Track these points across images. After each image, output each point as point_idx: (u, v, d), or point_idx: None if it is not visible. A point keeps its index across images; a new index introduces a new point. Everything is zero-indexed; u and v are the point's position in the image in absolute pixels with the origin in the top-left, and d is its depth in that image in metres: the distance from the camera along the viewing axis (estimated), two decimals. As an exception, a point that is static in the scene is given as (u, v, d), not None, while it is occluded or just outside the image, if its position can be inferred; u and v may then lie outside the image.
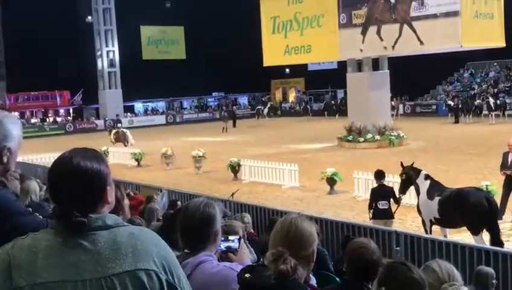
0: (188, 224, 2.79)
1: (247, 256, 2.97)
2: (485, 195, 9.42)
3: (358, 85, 27.82)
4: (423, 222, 9.97)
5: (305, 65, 50.12)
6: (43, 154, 25.46)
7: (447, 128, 34.00)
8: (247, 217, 7.97)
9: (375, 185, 10.60)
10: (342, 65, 32.81)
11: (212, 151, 24.73)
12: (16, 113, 50.56)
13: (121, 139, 29.29)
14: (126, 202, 3.67)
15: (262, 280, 2.30)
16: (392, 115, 33.98)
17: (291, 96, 64.31)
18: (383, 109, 28.00)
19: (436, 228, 9.91)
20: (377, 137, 26.77)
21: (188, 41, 60.31)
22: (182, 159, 22.86)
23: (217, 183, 18.93)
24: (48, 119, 51.42)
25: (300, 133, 35.28)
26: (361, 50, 27.04)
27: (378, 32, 26.23)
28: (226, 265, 2.72)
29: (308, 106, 53.36)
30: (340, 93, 56.03)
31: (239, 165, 19.69)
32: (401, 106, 46.31)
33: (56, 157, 1.96)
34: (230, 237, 2.99)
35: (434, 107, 46.29)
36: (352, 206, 14.25)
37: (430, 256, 7.18)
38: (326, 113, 50.24)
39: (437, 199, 9.49)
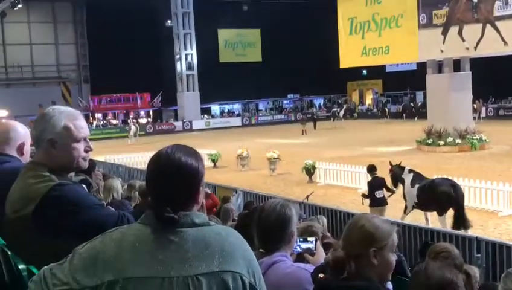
0: (264, 224, 2.79)
1: (323, 258, 2.95)
2: (451, 183, 11.10)
3: (438, 87, 27.11)
4: (405, 207, 11.83)
5: (383, 66, 49.27)
6: (125, 155, 26.39)
7: (533, 132, 32.44)
8: (322, 220, 7.91)
9: (369, 178, 12.21)
10: (422, 66, 32.05)
11: (287, 153, 24.72)
12: (100, 115, 52.71)
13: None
14: (205, 202, 3.75)
15: (337, 279, 2.28)
16: (474, 118, 32.86)
17: (368, 98, 63.27)
18: (465, 111, 27.17)
19: None
20: (458, 140, 25.99)
21: (264, 43, 60.55)
22: (257, 160, 23.00)
23: (291, 185, 18.93)
24: (129, 121, 53.09)
25: (378, 136, 34.67)
26: (441, 51, 26.33)
27: (460, 33, 25.45)
28: (300, 266, 2.72)
29: (386, 108, 52.33)
30: (419, 95, 54.58)
31: (314, 168, 19.61)
32: (483, 109, 44.62)
33: (156, 152, 1.96)
34: (309, 239, 2.98)
35: (519, 109, 44.42)
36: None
37: (513, 264, 6.90)
38: (404, 115, 49.18)
39: (416, 186, 11.42)
